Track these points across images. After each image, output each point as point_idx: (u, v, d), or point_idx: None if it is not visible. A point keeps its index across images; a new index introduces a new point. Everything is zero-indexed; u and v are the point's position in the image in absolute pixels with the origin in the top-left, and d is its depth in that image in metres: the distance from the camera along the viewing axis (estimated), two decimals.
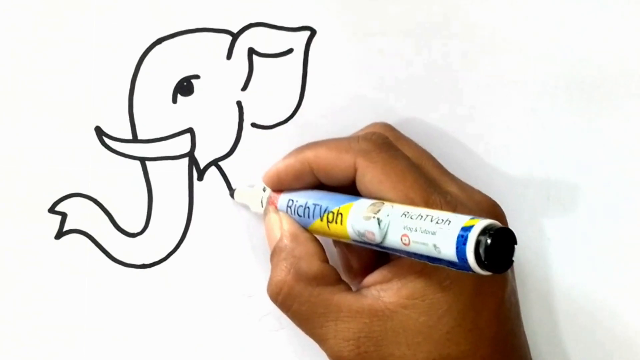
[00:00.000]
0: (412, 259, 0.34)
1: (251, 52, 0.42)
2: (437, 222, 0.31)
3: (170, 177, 0.42)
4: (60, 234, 0.41)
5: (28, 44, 0.41)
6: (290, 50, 0.42)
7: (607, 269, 0.44)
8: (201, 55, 0.42)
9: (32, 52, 0.41)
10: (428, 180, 0.37)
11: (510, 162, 0.44)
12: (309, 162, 0.38)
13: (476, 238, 0.30)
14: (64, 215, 0.41)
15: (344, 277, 0.39)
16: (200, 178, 0.42)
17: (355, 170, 0.37)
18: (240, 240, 0.42)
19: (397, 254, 0.34)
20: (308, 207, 0.38)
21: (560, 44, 0.43)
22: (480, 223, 0.30)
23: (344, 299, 0.36)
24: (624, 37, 0.44)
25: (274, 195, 0.40)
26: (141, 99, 0.41)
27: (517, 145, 0.44)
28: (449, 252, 0.31)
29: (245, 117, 0.42)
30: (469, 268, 0.30)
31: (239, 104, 0.42)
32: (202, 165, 0.42)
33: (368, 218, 0.34)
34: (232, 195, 0.42)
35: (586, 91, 0.44)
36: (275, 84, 0.42)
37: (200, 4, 0.41)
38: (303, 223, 0.38)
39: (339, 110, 0.43)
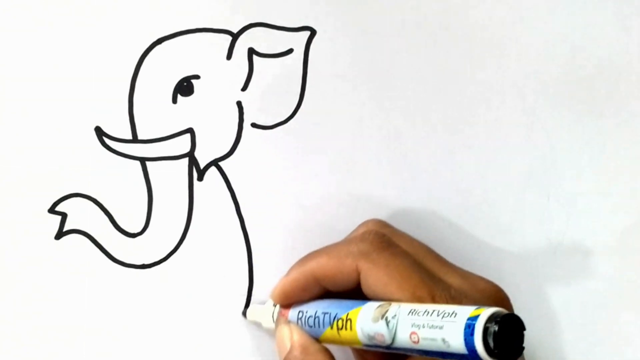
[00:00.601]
0: (424, 358, 0.33)
1: (251, 52, 0.42)
2: (443, 316, 0.31)
3: (170, 177, 0.42)
4: (60, 234, 0.41)
5: (28, 44, 0.41)
6: (290, 50, 0.42)
7: (607, 269, 0.44)
8: (201, 55, 0.42)
9: (32, 52, 0.41)
10: (431, 275, 0.36)
11: (510, 162, 0.44)
12: (313, 273, 0.38)
13: (483, 326, 0.29)
14: (64, 216, 0.41)
15: None
16: (200, 178, 0.42)
17: (359, 274, 0.37)
18: (240, 240, 0.42)
19: (409, 354, 0.33)
20: (317, 317, 0.37)
21: (561, 44, 0.43)
22: (486, 312, 0.30)
23: None
24: (624, 37, 0.44)
25: (284, 308, 0.40)
26: (141, 99, 0.41)
27: (517, 145, 0.44)
28: (457, 344, 0.30)
29: (245, 117, 0.42)
30: (479, 358, 0.30)
31: (239, 104, 0.42)
32: (202, 166, 0.42)
33: (376, 320, 0.34)
34: (244, 314, 0.42)
35: (586, 91, 0.44)
36: (275, 84, 0.42)
37: (200, 4, 0.41)
38: (314, 333, 0.38)
39: (339, 110, 0.43)
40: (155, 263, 0.42)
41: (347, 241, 0.39)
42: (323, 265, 0.38)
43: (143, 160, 0.42)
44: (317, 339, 0.38)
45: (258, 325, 0.42)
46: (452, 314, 0.31)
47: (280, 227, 0.43)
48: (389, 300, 0.35)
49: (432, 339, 0.31)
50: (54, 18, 0.41)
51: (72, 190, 0.41)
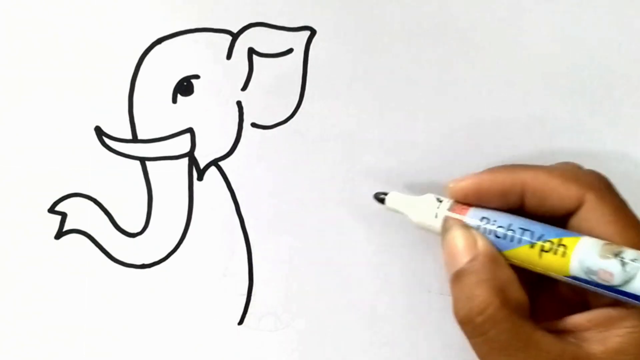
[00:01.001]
0: (619, 310, 0.32)
1: (251, 52, 0.42)
2: None
3: (170, 177, 0.42)
4: (60, 234, 0.41)
5: (28, 44, 0.41)
6: (290, 50, 0.42)
7: None
8: (201, 55, 0.42)
9: (32, 52, 0.41)
10: None
11: (511, 162, 0.44)
12: (524, 182, 0.35)
13: None
14: (64, 215, 0.41)
15: None
16: (200, 178, 0.42)
17: (581, 204, 0.34)
18: (240, 240, 0.42)
19: (626, 302, 0.32)
20: (512, 230, 0.34)
21: (561, 44, 0.43)
22: None
23: (545, 339, 0.33)
24: (624, 36, 0.44)
25: (459, 207, 0.36)
26: (141, 99, 0.41)
27: (517, 145, 0.43)
28: None
29: (245, 117, 0.42)
30: None
31: (239, 104, 0.42)
32: (202, 165, 0.42)
33: (606, 257, 0.32)
34: (379, 198, 0.39)
35: (586, 91, 0.44)
36: (275, 84, 0.42)
37: (200, 4, 0.41)
38: (500, 246, 0.34)
39: (339, 110, 0.43)
40: (155, 263, 0.42)
41: (571, 168, 0.36)
42: (541, 180, 0.34)
43: (143, 160, 0.42)
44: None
45: (399, 215, 0.38)
46: None
47: (280, 227, 0.43)
48: (606, 239, 0.33)
49: None
50: (54, 18, 0.41)
51: (72, 190, 0.41)
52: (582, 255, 0.33)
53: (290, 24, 0.42)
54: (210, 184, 0.42)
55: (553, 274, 0.34)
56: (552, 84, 0.43)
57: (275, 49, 0.42)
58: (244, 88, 0.42)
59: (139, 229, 0.42)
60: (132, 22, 0.41)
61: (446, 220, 0.36)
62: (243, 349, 0.42)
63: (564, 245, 0.33)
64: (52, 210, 0.41)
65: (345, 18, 0.42)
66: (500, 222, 0.35)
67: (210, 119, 0.42)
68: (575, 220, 0.34)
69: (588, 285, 0.33)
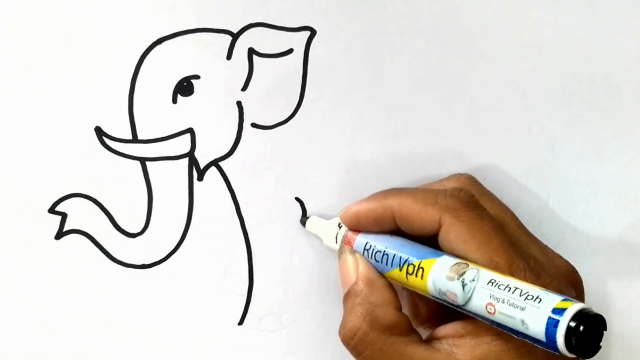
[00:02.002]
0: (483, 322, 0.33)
1: (251, 52, 0.42)
2: (526, 298, 0.31)
3: (170, 177, 0.42)
4: (60, 234, 0.41)
5: (28, 44, 0.41)
6: (290, 50, 0.42)
7: (607, 269, 0.44)
8: (201, 55, 0.42)
9: (32, 52, 0.41)
10: (512, 243, 0.36)
11: (511, 162, 0.44)
12: (393, 209, 0.38)
13: (567, 324, 0.29)
14: (64, 216, 0.41)
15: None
16: (200, 178, 0.42)
17: (440, 226, 0.37)
18: (240, 240, 0.42)
19: (476, 317, 0.34)
20: (387, 254, 0.37)
21: (560, 44, 0.43)
22: (573, 307, 0.30)
23: (416, 351, 0.36)
24: (624, 37, 0.44)
25: (351, 234, 0.40)
26: (141, 99, 0.41)
27: (517, 145, 0.44)
28: (537, 331, 0.30)
29: (245, 117, 0.42)
30: (556, 350, 0.30)
31: (239, 104, 0.42)
32: (202, 166, 0.42)
33: (452, 279, 0.34)
34: (303, 222, 0.42)
35: (586, 91, 0.44)
36: (275, 84, 0.42)
37: (200, 4, 0.41)
38: (379, 269, 0.38)
39: (339, 110, 0.43)
40: (155, 263, 0.42)
41: (435, 191, 0.38)
42: (406, 206, 0.38)
43: (143, 160, 0.42)
44: (382, 275, 0.38)
45: (316, 238, 0.42)
46: (536, 298, 0.31)
47: (280, 227, 0.43)
48: (464, 258, 0.35)
49: (510, 317, 0.31)
50: (54, 18, 0.41)
51: (72, 190, 0.41)
52: (434, 277, 0.35)
53: (290, 24, 0.42)
54: (211, 184, 0.42)
55: (421, 293, 0.36)
56: (552, 84, 0.43)
57: (275, 49, 0.42)
58: (244, 88, 0.42)
59: (139, 229, 0.42)
60: (132, 22, 0.41)
61: (341, 245, 0.40)
62: (243, 349, 0.42)
63: (422, 268, 0.35)
64: (52, 210, 0.41)
65: (345, 18, 0.42)
66: (378, 247, 0.38)
67: (210, 119, 0.42)
68: (440, 240, 0.37)
69: (447, 304, 0.35)
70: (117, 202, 0.41)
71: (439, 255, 0.35)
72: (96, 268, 0.41)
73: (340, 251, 0.40)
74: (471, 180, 0.41)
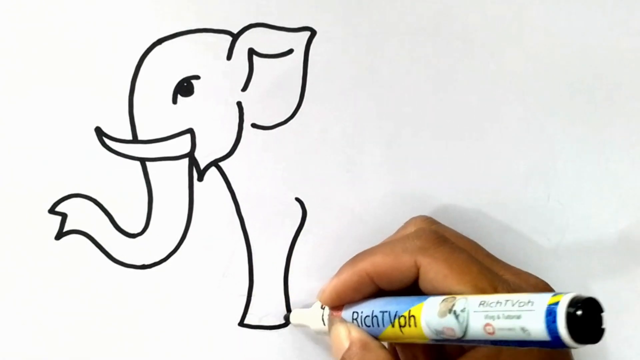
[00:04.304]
0: (488, 346, 0.33)
1: (251, 52, 0.42)
2: (519, 305, 0.31)
3: (170, 178, 0.42)
4: (60, 235, 0.41)
5: (28, 44, 0.41)
6: (290, 51, 0.42)
7: (607, 269, 0.44)
8: (201, 56, 0.42)
9: (32, 52, 0.41)
10: (488, 269, 0.36)
11: (511, 162, 0.44)
12: (367, 272, 0.38)
13: (565, 312, 0.29)
14: (64, 216, 0.41)
15: None
16: (200, 178, 0.42)
17: (417, 270, 0.36)
18: (240, 240, 0.42)
19: (480, 345, 0.34)
20: (376, 316, 0.37)
21: (560, 44, 0.43)
22: (566, 297, 0.30)
23: None
24: (624, 37, 0.44)
25: (335, 312, 0.39)
26: (141, 99, 0.41)
27: (517, 145, 0.44)
28: (539, 332, 0.30)
29: (245, 117, 0.42)
30: (562, 344, 0.30)
31: (239, 104, 0.42)
32: (202, 166, 0.42)
33: (443, 314, 0.34)
34: (287, 319, 0.42)
35: (586, 91, 0.44)
36: (275, 84, 0.42)
37: (200, 4, 0.41)
38: (372, 333, 0.37)
39: (339, 110, 0.43)
40: (155, 263, 0.42)
41: (400, 239, 0.39)
42: (378, 264, 0.37)
43: (143, 161, 0.42)
44: (376, 338, 0.37)
45: (303, 329, 0.42)
46: (528, 302, 0.31)
47: (280, 227, 0.43)
48: (449, 293, 0.35)
49: (510, 329, 0.31)
50: (54, 18, 0.41)
51: (72, 190, 0.41)
52: (427, 320, 0.34)
53: (290, 24, 0.42)
54: (211, 185, 0.42)
55: (421, 342, 0.35)
56: (552, 84, 0.43)
57: (275, 50, 0.42)
58: (244, 88, 0.42)
59: (139, 230, 0.42)
60: (132, 23, 0.41)
61: (329, 320, 0.40)
62: (243, 349, 0.42)
63: (413, 316, 0.35)
64: (52, 210, 0.41)
65: (345, 18, 0.42)
66: (365, 312, 0.38)
67: (210, 119, 0.42)
68: (421, 284, 0.37)
69: (448, 342, 0.34)
70: (117, 203, 0.41)
71: (425, 299, 0.35)
72: (96, 268, 0.41)
73: (330, 324, 0.39)
74: (429, 219, 0.41)
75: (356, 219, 0.43)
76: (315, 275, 0.43)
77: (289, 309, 0.42)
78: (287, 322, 0.42)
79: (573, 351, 0.38)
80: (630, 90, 0.44)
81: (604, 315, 0.30)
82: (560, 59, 0.43)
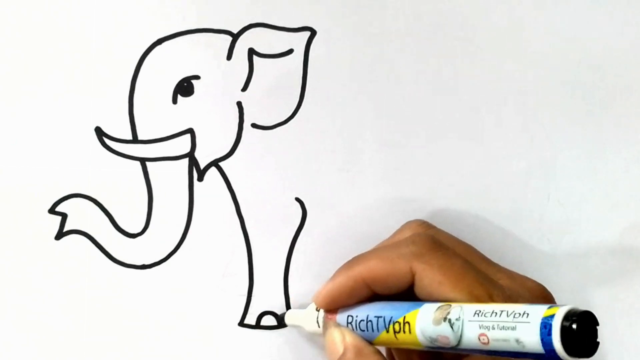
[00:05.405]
0: (483, 356, 0.33)
1: (251, 52, 0.42)
2: (514, 317, 0.31)
3: (170, 178, 0.42)
4: (60, 235, 0.41)
5: (28, 44, 0.41)
6: (290, 51, 0.42)
7: (607, 269, 0.44)
8: (201, 56, 0.42)
9: (32, 52, 0.41)
10: (484, 275, 0.36)
11: (511, 162, 0.44)
12: (363, 277, 0.38)
13: (560, 326, 0.29)
14: (64, 216, 0.41)
15: None
16: (200, 178, 0.42)
17: (413, 276, 0.36)
18: (240, 240, 0.42)
19: (473, 354, 0.33)
20: (370, 321, 0.37)
21: (560, 44, 0.43)
22: (562, 310, 0.30)
23: None
24: (624, 38, 0.44)
25: (330, 315, 0.39)
26: (141, 99, 0.41)
27: (517, 145, 0.44)
28: (533, 344, 0.30)
29: (245, 117, 0.42)
30: (557, 357, 0.30)
31: (239, 104, 0.42)
32: (202, 166, 0.42)
33: (438, 322, 0.33)
34: (281, 319, 0.42)
35: (586, 91, 0.44)
36: (275, 84, 0.42)
37: (200, 4, 0.41)
38: (367, 337, 0.37)
39: (339, 110, 0.43)
40: (155, 263, 0.42)
41: (396, 244, 0.38)
42: (373, 269, 0.37)
43: (143, 161, 0.42)
44: (370, 342, 0.37)
45: (298, 329, 0.42)
46: (524, 314, 0.31)
47: (280, 227, 0.43)
48: (444, 300, 0.35)
49: (505, 340, 0.31)
50: (55, 18, 0.41)
51: (72, 190, 0.41)
52: (422, 327, 0.34)
53: (290, 24, 0.42)
54: (211, 185, 0.42)
55: (415, 348, 0.36)
56: (552, 84, 0.43)
57: (275, 50, 0.42)
58: (244, 88, 0.42)
59: (139, 230, 0.42)
60: (132, 23, 0.41)
61: (324, 323, 0.39)
62: (243, 348, 0.42)
63: (408, 322, 0.35)
64: (52, 210, 0.41)
65: (345, 18, 0.42)
66: (360, 317, 0.37)
67: (210, 119, 0.42)
68: (416, 290, 0.37)
69: (446, 350, 0.34)
70: (117, 203, 0.41)
71: (420, 305, 0.35)
72: (96, 268, 0.41)
73: (325, 327, 0.39)
74: (425, 224, 0.41)
75: (356, 219, 0.43)
76: (315, 275, 0.43)
77: (289, 309, 0.42)
78: (281, 323, 0.42)
79: None
80: (630, 90, 0.44)
81: (599, 328, 0.30)
82: (560, 60, 0.43)
